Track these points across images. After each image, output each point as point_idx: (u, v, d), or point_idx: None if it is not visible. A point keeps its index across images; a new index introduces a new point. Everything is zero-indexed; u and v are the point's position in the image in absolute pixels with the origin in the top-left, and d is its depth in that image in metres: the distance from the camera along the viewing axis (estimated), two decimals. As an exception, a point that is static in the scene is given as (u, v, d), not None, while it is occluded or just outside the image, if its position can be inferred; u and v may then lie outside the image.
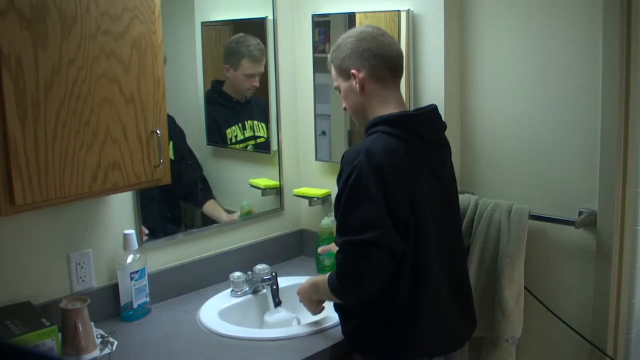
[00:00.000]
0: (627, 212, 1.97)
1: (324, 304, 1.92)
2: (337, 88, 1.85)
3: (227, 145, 2.46)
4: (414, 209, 1.66)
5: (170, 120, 2.22)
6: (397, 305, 1.70)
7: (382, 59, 1.75)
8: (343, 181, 1.66)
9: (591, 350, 2.05)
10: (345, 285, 1.68)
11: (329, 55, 1.87)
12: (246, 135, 2.49)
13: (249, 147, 2.50)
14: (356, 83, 1.76)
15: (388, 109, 1.74)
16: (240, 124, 2.47)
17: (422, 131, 1.71)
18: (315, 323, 1.95)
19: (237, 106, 2.49)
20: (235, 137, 2.47)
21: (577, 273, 2.06)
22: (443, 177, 1.79)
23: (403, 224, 1.64)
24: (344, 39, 1.81)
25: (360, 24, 2.31)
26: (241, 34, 2.44)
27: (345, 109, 1.85)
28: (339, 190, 1.69)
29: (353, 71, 1.76)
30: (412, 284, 1.69)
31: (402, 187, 1.64)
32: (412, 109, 1.88)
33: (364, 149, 1.64)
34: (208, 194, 2.37)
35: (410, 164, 1.68)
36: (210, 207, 2.36)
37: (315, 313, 1.93)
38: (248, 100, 2.49)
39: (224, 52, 2.44)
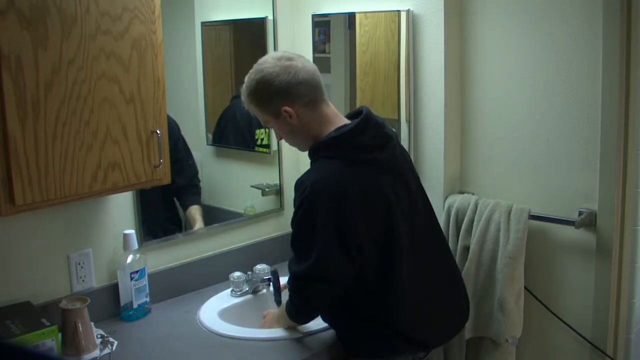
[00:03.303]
0: (627, 212, 1.97)
1: None
2: (268, 124, 1.82)
3: (251, 147, 2.47)
4: (371, 228, 1.68)
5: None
6: (379, 309, 1.73)
7: (304, 85, 1.72)
8: (294, 213, 1.71)
9: (591, 350, 2.05)
10: (298, 310, 1.83)
11: (243, 98, 1.80)
12: (269, 142, 2.49)
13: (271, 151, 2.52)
14: (291, 117, 1.73)
15: (327, 129, 1.73)
16: (267, 129, 2.47)
17: (361, 141, 1.70)
18: (315, 323, 1.95)
19: None
20: (262, 140, 2.47)
21: (577, 273, 2.06)
22: (398, 170, 1.78)
23: (356, 252, 1.66)
24: (257, 81, 1.74)
25: (360, 24, 2.31)
26: None
27: (281, 138, 1.84)
28: (291, 220, 1.73)
29: (284, 108, 1.72)
30: (385, 288, 1.72)
31: (353, 208, 1.65)
32: (356, 112, 1.83)
33: (309, 182, 1.67)
34: (195, 198, 2.34)
35: (360, 179, 1.68)
36: (191, 212, 2.31)
37: None
38: None
39: None
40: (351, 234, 1.65)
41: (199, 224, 2.31)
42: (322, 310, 1.83)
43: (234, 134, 2.47)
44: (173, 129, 2.22)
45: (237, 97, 2.41)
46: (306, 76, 1.72)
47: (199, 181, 2.37)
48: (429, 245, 1.85)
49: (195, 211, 2.32)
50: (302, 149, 1.84)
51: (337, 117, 1.78)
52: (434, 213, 1.92)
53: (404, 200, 1.75)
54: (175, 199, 2.33)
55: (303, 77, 1.72)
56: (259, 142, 2.48)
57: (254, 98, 1.77)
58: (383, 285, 1.72)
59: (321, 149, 1.71)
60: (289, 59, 1.74)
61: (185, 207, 2.32)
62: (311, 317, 1.87)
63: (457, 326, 1.88)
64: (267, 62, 1.75)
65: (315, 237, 1.65)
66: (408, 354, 1.74)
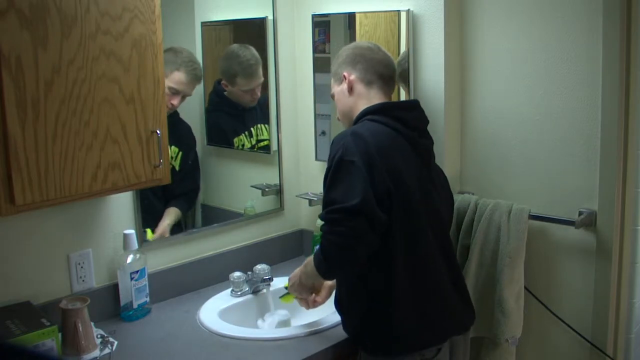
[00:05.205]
0: (627, 212, 1.97)
1: (317, 298, 1.94)
2: (332, 96, 1.95)
3: (233, 148, 2.47)
4: (400, 187, 1.70)
5: (186, 128, 2.24)
6: (396, 294, 1.71)
7: (372, 64, 1.87)
8: (330, 159, 1.72)
9: (591, 350, 2.05)
10: (329, 256, 1.68)
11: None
12: (253, 143, 2.49)
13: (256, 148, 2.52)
14: (347, 83, 1.87)
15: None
16: (247, 132, 2.47)
17: (406, 117, 1.80)
18: (315, 323, 1.95)
19: (242, 113, 2.49)
20: (243, 145, 2.47)
21: (577, 273, 2.06)
22: (430, 167, 1.84)
23: (386, 197, 1.67)
24: (342, 49, 1.96)
25: (360, 24, 2.31)
26: (234, 46, 2.43)
27: (339, 119, 1.95)
28: (326, 169, 1.73)
29: (344, 73, 1.88)
30: (408, 269, 1.72)
31: (387, 164, 1.68)
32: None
33: (350, 131, 1.74)
34: (181, 204, 2.29)
35: (396, 145, 1.74)
36: (169, 210, 2.25)
37: (307, 305, 1.95)
38: (253, 105, 2.49)
39: (219, 67, 2.42)
40: (380, 182, 1.66)
41: (166, 220, 2.23)
42: (357, 252, 1.66)
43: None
44: (191, 142, 2.28)
45: (208, 111, 2.40)
46: (378, 61, 1.88)
47: (196, 197, 2.35)
48: (446, 245, 1.85)
49: (171, 211, 2.25)
50: (346, 125, 1.92)
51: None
52: (451, 221, 1.97)
53: (427, 193, 1.77)
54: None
55: (373, 60, 1.87)
56: (239, 148, 2.47)
57: (332, 63, 1.96)
58: (410, 263, 1.72)
59: (367, 114, 1.80)
60: (379, 49, 1.93)
61: (168, 206, 2.26)
62: (340, 262, 1.69)
63: (468, 320, 1.89)
64: (362, 42, 2.04)
65: (351, 173, 1.65)
66: (415, 353, 1.74)
